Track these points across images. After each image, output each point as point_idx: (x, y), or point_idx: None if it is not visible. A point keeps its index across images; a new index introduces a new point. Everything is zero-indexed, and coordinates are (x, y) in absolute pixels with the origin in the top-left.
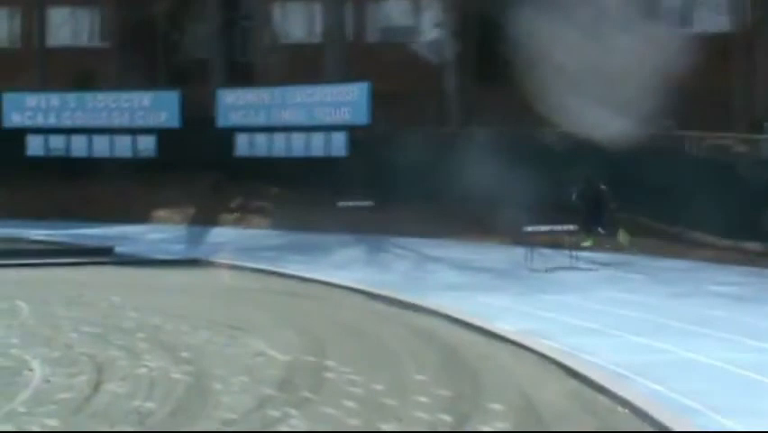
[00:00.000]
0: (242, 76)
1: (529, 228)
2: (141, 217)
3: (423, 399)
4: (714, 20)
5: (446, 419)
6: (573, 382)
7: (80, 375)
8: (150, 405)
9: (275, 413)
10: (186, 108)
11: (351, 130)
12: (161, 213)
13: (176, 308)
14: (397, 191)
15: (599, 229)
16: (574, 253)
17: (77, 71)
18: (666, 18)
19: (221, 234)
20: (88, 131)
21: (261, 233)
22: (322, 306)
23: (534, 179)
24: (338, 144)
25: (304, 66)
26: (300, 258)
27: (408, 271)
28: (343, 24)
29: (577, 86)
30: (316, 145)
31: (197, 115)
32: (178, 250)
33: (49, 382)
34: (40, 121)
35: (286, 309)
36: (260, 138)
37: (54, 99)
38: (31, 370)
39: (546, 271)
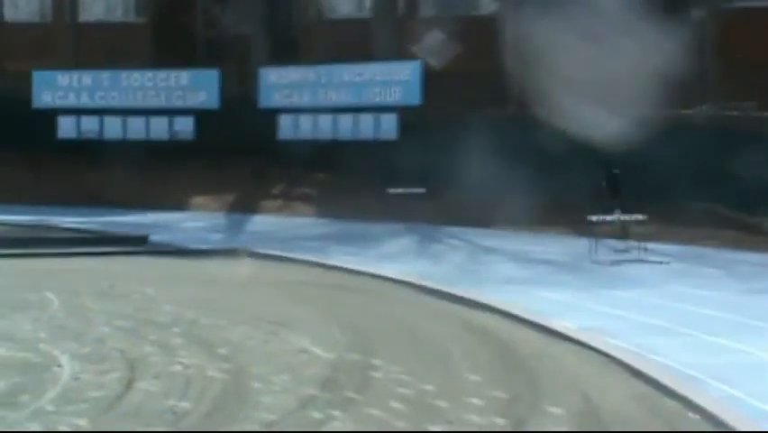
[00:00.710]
0: (286, 53)
1: (594, 218)
2: (178, 204)
3: (476, 401)
4: None
5: (500, 423)
6: (640, 385)
7: (111, 372)
8: (184, 405)
9: (317, 415)
10: (225, 88)
11: (402, 111)
12: (199, 200)
13: (213, 301)
14: (451, 177)
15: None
16: (642, 244)
17: (110, 48)
18: None
19: (262, 223)
20: (122, 112)
21: (306, 221)
22: (369, 300)
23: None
24: (388, 127)
25: (351, 42)
26: (347, 249)
27: (462, 264)
28: None
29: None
30: (365, 128)
31: (238, 96)
32: (216, 239)
33: (78, 379)
34: (71, 101)
35: (331, 303)
36: (305, 120)
37: (87, 78)
38: (59, 366)
39: (612, 263)
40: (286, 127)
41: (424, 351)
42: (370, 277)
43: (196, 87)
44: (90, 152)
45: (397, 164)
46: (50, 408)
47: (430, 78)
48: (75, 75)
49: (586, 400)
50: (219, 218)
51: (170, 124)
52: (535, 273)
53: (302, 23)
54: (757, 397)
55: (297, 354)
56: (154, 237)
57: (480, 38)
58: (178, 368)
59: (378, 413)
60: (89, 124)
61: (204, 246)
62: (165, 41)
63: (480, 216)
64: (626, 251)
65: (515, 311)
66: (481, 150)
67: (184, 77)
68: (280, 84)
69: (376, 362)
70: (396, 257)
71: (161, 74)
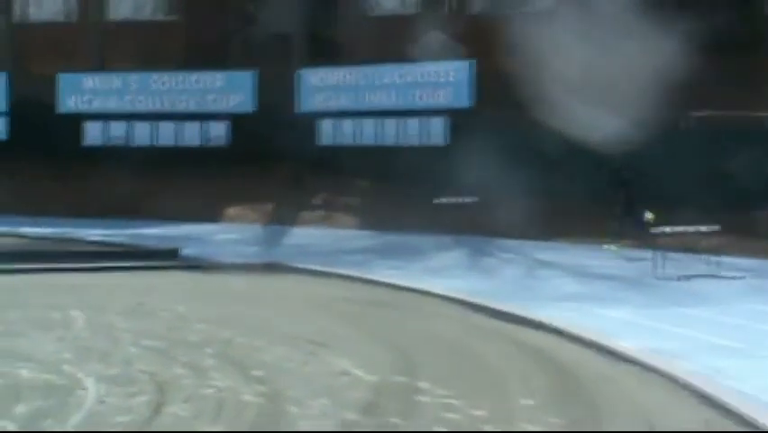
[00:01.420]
0: (326, 53)
1: (658, 229)
2: (210, 215)
3: (530, 427)
4: None
5: None
6: (710, 412)
7: (139, 395)
8: (216, 430)
9: None
10: (262, 91)
11: (451, 115)
12: (233, 210)
13: (248, 319)
14: (505, 186)
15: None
16: (713, 258)
17: (139, 48)
18: None
19: (301, 235)
20: (152, 117)
21: (348, 233)
22: (415, 318)
23: (669, 172)
24: (436, 131)
25: (397, 41)
26: (391, 263)
27: (516, 279)
28: None
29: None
30: (411, 132)
31: (275, 99)
32: (252, 253)
33: (104, 402)
34: (98, 106)
35: (374, 322)
36: (347, 124)
37: (114, 81)
38: (84, 389)
39: (679, 279)
40: (326, 132)
41: (473, 373)
42: (417, 293)
43: (230, 90)
44: (118, 159)
45: (445, 171)
46: None
47: (482, 79)
48: (102, 77)
49: (649, 428)
50: (255, 230)
51: (203, 130)
52: (595, 289)
53: (344, 21)
54: None
55: (337, 377)
56: (185, 251)
57: (535, 36)
58: (210, 391)
59: None
60: (117, 130)
61: (238, 260)
62: (197, 40)
63: (535, 228)
64: (694, 265)
65: (572, 330)
66: (537, 156)
67: (218, 79)
68: (321, 86)
69: (422, 385)
70: (443, 272)
71: (193, 76)
